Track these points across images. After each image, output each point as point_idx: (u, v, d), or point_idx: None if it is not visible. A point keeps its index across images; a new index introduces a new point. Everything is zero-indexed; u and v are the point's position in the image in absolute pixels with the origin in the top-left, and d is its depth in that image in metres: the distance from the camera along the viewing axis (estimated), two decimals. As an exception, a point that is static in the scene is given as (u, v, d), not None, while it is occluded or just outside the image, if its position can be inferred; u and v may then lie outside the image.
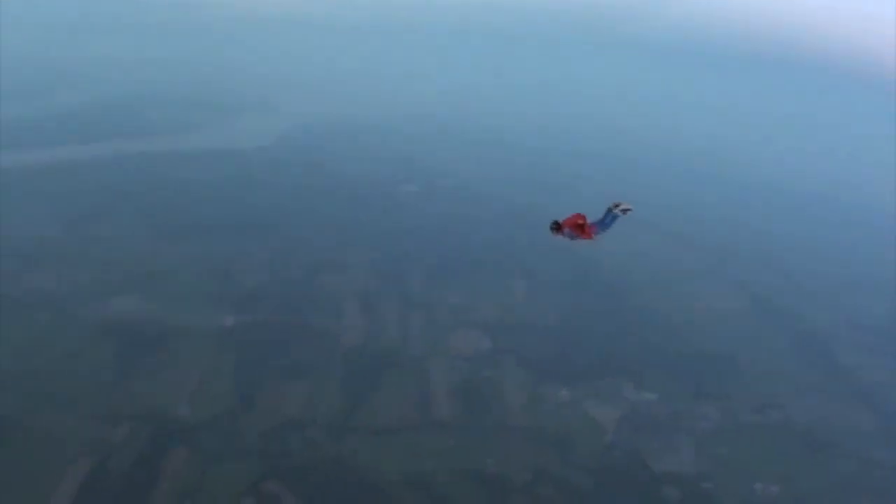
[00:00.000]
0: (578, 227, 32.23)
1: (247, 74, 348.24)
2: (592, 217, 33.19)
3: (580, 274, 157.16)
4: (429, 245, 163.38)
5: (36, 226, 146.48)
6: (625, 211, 32.20)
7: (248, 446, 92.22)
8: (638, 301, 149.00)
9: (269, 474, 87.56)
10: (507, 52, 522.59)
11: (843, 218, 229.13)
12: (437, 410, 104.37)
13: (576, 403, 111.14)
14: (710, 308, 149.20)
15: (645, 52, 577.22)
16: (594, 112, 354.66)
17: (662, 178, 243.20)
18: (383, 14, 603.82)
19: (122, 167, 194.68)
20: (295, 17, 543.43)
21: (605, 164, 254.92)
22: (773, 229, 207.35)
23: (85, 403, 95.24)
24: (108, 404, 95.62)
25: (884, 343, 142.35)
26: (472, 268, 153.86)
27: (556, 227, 32.55)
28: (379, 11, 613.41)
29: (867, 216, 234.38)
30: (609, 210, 32.58)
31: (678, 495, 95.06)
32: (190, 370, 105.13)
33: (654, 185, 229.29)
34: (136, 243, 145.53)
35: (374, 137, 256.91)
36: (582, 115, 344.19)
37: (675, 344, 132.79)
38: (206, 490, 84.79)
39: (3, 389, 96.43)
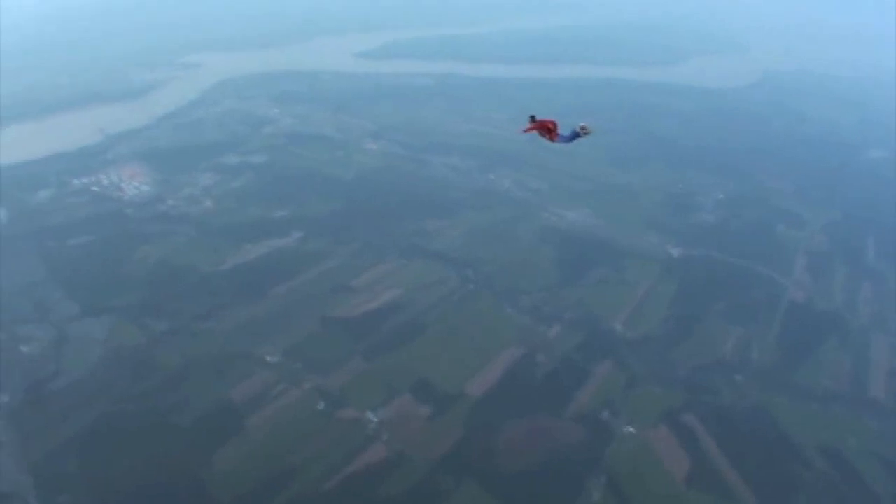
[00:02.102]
0: (547, 130, 36.57)
1: (723, 16, 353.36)
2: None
3: None
4: (891, 215, 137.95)
5: (508, 132, 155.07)
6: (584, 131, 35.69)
7: (674, 376, 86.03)
8: None
9: (688, 408, 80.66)
10: None
11: None
12: (874, 388, 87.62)
13: None
14: None
15: None
16: None
17: None
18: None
19: (596, 89, 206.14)
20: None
21: None
22: None
23: (526, 298, 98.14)
24: (548, 304, 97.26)
25: None
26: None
27: (532, 120, 36.93)
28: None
29: None
30: (574, 130, 35.98)
31: None
32: (630, 290, 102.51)
33: None
34: (599, 164, 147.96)
35: (850, 93, 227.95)
36: None
37: None
38: (627, 406, 79.99)
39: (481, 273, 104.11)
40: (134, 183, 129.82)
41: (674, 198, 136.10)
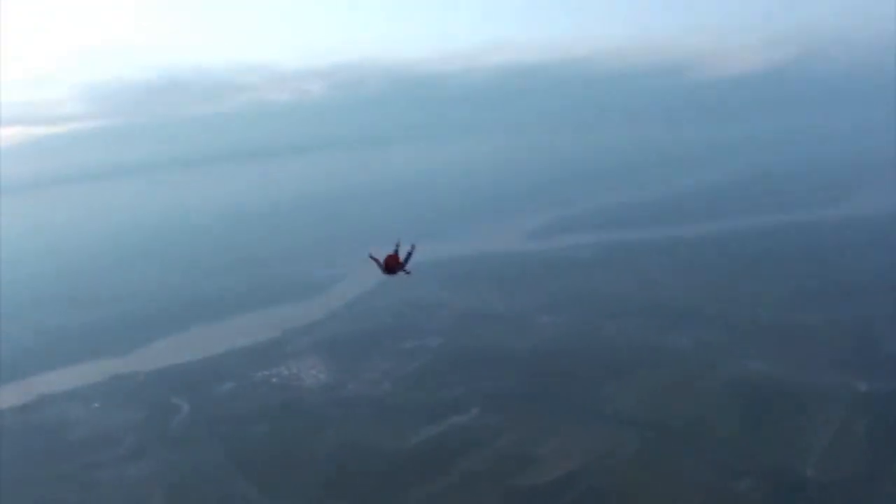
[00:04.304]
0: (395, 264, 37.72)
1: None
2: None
3: None
4: None
5: (681, 290, 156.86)
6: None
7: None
8: None
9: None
10: None
11: None
12: None
13: None
14: None
15: None
16: None
17: None
18: None
19: (768, 236, 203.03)
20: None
21: None
22: None
23: (710, 454, 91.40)
24: (734, 457, 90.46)
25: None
26: None
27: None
28: None
29: None
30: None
31: None
32: (818, 432, 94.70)
33: None
34: (779, 309, 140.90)
35: None
36: None
37: None
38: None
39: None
40: (313, 372, 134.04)
41: (856, 333, 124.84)
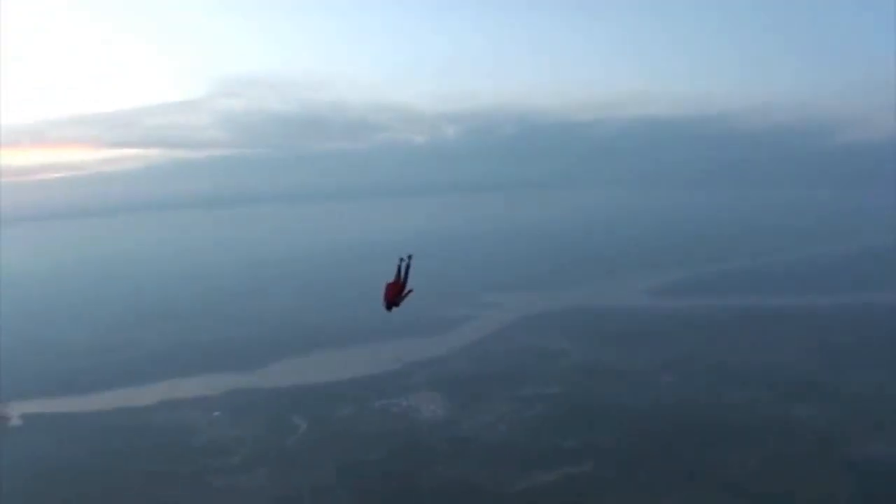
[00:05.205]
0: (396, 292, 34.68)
1: None
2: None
3: None
4: None
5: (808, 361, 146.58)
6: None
7: None
8: None
9: None
10: None
11: None
12: None
13: None
14: None
15: None
16: None
17: None
18: None
19: None
20: None
21: None
22: None
23: None
24: None
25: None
26: None
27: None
28: None
29: None
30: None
31: None
32: None
33: None
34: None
35: None
36: None
37: None
38: None
39: None
40: (430, 406, 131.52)
41: None
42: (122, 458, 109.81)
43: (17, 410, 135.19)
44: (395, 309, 35.48)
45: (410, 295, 35.30)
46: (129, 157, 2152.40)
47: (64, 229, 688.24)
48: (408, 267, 35.73)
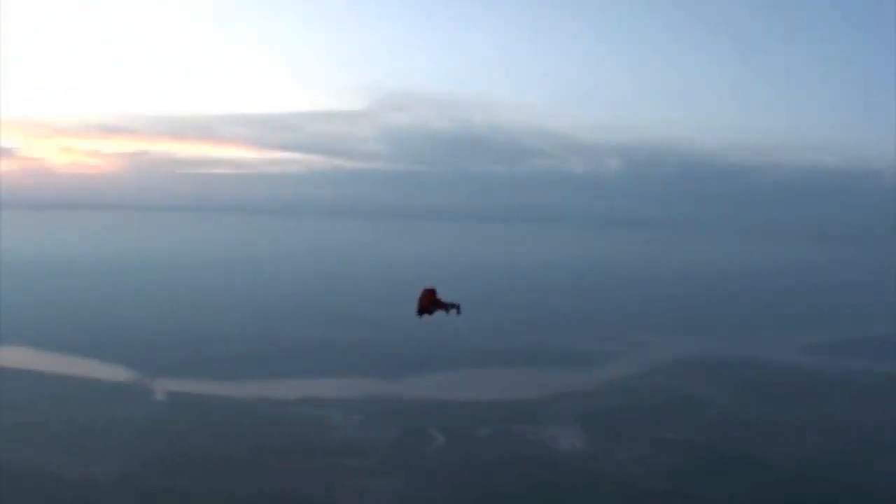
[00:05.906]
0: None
1: None
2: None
3: None
4: None
5: None
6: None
7: None
8: None
9: None
10: None
11: None
12: None
13: None
14: None
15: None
16: None
17: None
18: None
19: None
20: None
21: None
22: None
23: None
24: None
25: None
26: None
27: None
28: None
29: None
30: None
31: None
32: None
33: None
34: None
35: None
36: None
37: None
38: None
39: None
40: (568, 439, 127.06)
41: None
42: (259, 448, 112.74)
43: (163, 387, 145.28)
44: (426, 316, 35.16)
45: (454, 312, 34.81)
46: (292, 160, 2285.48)
47: (228, 223, 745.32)
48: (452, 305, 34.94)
